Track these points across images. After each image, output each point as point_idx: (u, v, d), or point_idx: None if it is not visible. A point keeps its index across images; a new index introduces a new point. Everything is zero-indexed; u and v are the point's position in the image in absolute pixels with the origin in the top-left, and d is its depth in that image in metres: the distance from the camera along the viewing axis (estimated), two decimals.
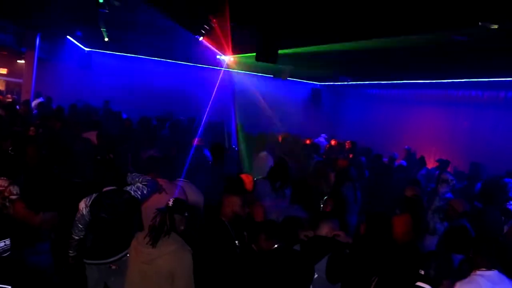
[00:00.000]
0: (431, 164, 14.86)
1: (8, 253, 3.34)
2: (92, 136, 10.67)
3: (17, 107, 15.95)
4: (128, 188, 5.34)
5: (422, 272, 4.13)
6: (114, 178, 5.39)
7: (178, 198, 4.59)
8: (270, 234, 4.40)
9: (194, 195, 6.24)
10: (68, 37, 18.65)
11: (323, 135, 18.74)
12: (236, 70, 22.20)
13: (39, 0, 12.61)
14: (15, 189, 5.27)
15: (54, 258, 5.67)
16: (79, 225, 5.29)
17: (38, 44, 17.46)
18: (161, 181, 5.92)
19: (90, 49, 21.71)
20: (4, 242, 3.33)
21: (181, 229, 4.34)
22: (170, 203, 4.42)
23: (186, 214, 4.34)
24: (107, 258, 5.22)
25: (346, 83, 21.24)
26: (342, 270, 4.36)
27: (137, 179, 5.48)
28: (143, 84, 21.75)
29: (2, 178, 5.44)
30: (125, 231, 5.18)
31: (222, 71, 22.54)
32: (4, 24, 14.43)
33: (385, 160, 13.52)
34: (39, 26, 16.25)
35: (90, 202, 5.25)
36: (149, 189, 5.41)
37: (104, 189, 5.35)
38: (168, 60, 22.39)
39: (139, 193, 5.28)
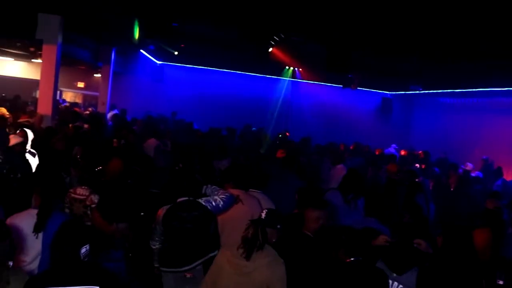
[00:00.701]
0: (510, 176, 14.26)
1: (87, 258, 3.51)
2: (152, 143, 11.00)
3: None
4: (203, 200, 5.39)
5: (501, 282, 3.98)
6: (188, 189, 5.45)
7: (271, 210, 4.56)
8: (350, 249, 4.31)
9: (268, 206, 6.23)
10: (141, 51, 19.27)
11: (393, 145, 18.39)
12: (304, 81, 22.24)
13: (114, 17, 13.13)
14: (95, 198, 5.46)
15: (127, 266, 5.80)
16: (156, 234, 5.42)
17: (113, 59, 18.16)
18: (237, 192, 5.96)
19: (162, 62, 22.32)
20: (86, 247, 3.50)
21: (273, 241, 4.33)
22: (263, 215, 4.46)
23: (279, 227, 4.32)
24: (182, 266, 5.31)
25: (417, 92, 20.77)
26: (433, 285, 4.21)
27: (216, 192, 5.51)
28: (213, 95, 22.14)
29: (84, 187, 5.67)
30: (199, 241, 5.24)
31: (290, 81, 22.63)
32: (82, 40, 15.12)
33: (460, 171, 13.10)
34: (114, 41, 16.92)
35: (165, 212, 5.36)
36: (225, 204, 5.43)
37: (179, 200, 5.43)
38: (237, 72, 22.67)
39: (214, 205, 5.32)
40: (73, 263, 3.48)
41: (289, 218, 5.19)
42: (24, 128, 8.50)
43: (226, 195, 5.50)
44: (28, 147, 8.07)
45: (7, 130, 9.32)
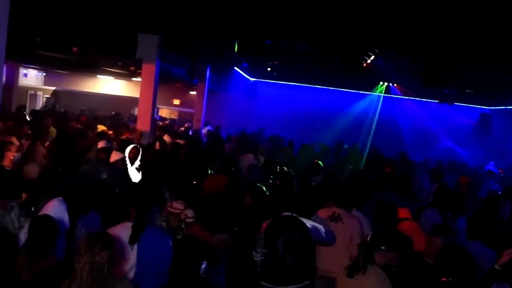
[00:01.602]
0: None
1: (205, 274, 3.56)
2: (248, 158, 11.04)
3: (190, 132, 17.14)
4: (308, 223, 5.29)
5: None
6: (291, 205, 5.40)
7: (376, 233, 4.46)
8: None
9: (366, 226, 6.06)
10: (235, 68, 19.61)
11: (491, 162, 17.45)
12: (398, 96, 21.71)
13: (209, 36, 13.46)
14: (190, 212, 5.55)
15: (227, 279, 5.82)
16: (258, 246, 5.40)
17: (208, 76, 18.60)
18: (338, 210, 5.85)
19: (255, 79, 22.61)
20: (204, 263, 3.55)
21: (382, 263, 4.21)
22: (368, 237, 4.36)
23: (383, 248, 4.18)
24: (279, 285, 5.23)
25: None
26: None
27: (323, 224, 5.43)
28: (305, 111, 22.12)
29: (179, 201, 5.77)
30: (297, 264, 5.14)
31: (383, 97, 22.17)
32: (179, 59, 15.61)
33: None
34: (209, 60, 17.34)
35: (269, 225, 5.34)
36: (327, 238, 5.33)
37: (283, 214, 5.38)
38: (330, 88, 22.53)
39: (317, 234, 5.23)
40: (193, 279, 3.53)
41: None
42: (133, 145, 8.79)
43: (329, 231, 5.40)
44: (138, 162, 8.34)
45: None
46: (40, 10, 7.82)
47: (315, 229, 5.27)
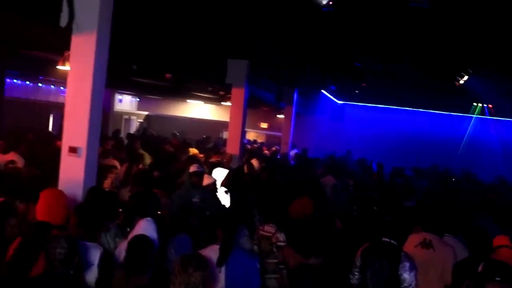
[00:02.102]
0: None
1: None
2: (328, 180, 10.89)
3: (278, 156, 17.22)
4: (404, 257, 5.13)
5: None
6: (389, 231, 5.26)
7: (490, 263, 4.17)
8: None
9: (461, 253, 5.75)
10: (322, 91, 19.57)
11: None
12: (494, 118, 20.77)
13: (297, 60, 13.55)
14: (281, 236, 5.56)
15: None
16: (354, 268, 5.29)
17: (296, 100, 18.67)
18: (430, 236, 5.62)
19: (343, 102, 22.44)
20: None
21: None
22: (480, 268, 4.13)
23: (498, 279, 3.97)
24: None
25: None
26: None
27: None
28: (394, 134, 21.63)
29: (271, 224, 5.79)
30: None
31: (478, 119, 21.28)
32: (267, 83, 15.81)
33: None
34: (296, 83, 17.43)
35: (366, 248, 5.24)
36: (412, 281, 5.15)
37: (383, 239, 5.25)
38: (421, 110, 21.93)
39: (404, 274, 5.06)
40: None
41: None
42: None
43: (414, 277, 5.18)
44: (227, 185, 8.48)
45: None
46: (136, 39, 8.20)
47: (404, 267, 5.07)
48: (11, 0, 5.91)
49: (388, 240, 5.20)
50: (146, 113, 26.22)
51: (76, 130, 6.36)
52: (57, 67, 7.62)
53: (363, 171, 14.68)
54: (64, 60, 7.24)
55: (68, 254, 3.72)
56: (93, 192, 5.63)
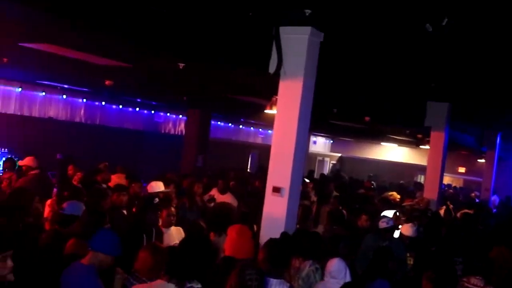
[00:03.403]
0: None
1: None
2: None
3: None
4: None
5: None
6: None
7: None
8: None
9: None
10: None
11: None
12: None
13: (501, 102, 12.69)
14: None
15: None
16: None
17: (499, 144, 17.50)
18: None
19: None
20: None
21: None
22: None
23: None
24: None
25: None
26: None
27: None
28: None
29: (477, 277, 5.43)
30: None
31: None
32: (467, 126, 15.10)
33: None
34: (500, 126, 16.34)
35: None
36: None
37: None
38: None
39: None
40: None
41: None
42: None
43: None
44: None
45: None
46: (337, 83, 8.42)
47: None
48: (223, 49, 6.46)
49: None
50: (339, 154, 26.53)
51: (280, 171, 6.65)
52: (265, 111, 8.11)
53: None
54: (272, 104, 7.69)
55: (258, 285, 3.88)
56: (299, 232, 5.85)
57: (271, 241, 5.04)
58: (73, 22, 5.39)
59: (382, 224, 7.39)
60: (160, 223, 6.34)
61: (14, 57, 9.32)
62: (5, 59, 9.55)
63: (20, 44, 7.45)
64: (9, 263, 3.15)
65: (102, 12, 4.80)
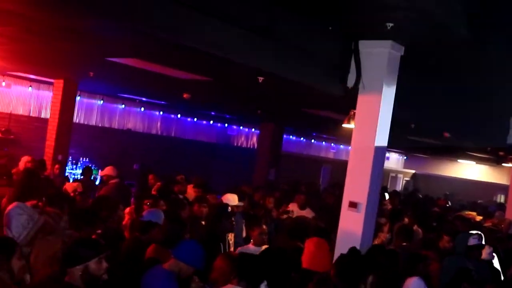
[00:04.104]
0: None
1: None
2: None
3: None
4: None
5: None
6: None
7: None
8: None
9: None
10: None
11: None
12: None
13: None
14: None
15: None
16: None
17: None
18: None
19: None
20: None
21: None
22: None
23: None
24: None
25: None
26: None
27: None
28: None
29: None
30: None
31: None
32: None
33: None
34: None
35: None
36: None
37: None
38: None
39: None
40: None
41: None
42: None
43: None
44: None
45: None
46: (416, 97, 8.25)
47: None
48: (302, 63, 6.48)
49: None
50: (413, 171, 25.92)
51: (357, 185, 6.59)
52: (343, 125, 8.05)
53: None
54: (349, 118, 7.64)
55: None
56: (375, 248, 5.76)
57: (341, 256, 5.00)
58: (157, 39, 5.58)
59: (473, 241, 6.94)
60: (251, 242, 6.28)
61: (100, 71, 9.76)
62: (91, 73, 10.02)
63: (107, 58, 7.80)
64: (104, 264, 3.52)
65: (188, 29, 4.96)
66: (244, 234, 7.59)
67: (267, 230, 6.44)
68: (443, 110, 9.17)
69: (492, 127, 11.22)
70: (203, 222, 7.13)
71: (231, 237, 6.81)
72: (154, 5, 4.65)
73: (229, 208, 7.21)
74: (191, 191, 9.41)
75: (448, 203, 16.12)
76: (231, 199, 7.82)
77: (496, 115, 10.94)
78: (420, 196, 19.68)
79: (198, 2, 4.86)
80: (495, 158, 16.75)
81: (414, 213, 10.61)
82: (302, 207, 9.27)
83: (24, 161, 9.36)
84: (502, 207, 14.43)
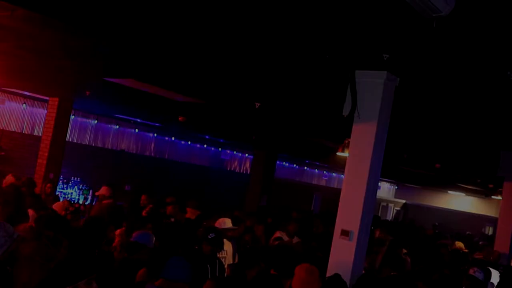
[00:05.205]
0: None
1: None
2: None
3: None
4: None
5: None
6: None
7: None
8: None
9: None
10: None
11: None
12: None
13: None
14: None
15: None
16: None
17: None
18: None
19: None
20: None
21: None
22: None
23: None
24: None
25: None
26: None
27: None
28: None
29: None
30: None
31: None
32: None
33: None
34: None
35: None
36: None
37: None
38: None
39: None
40: None
41: None
42: None
43: None
44: None
45: None
46: (409, 128, 8.33)
47: None
48: (298, 91, 6.54)
49: None
50: (403, 201, 25.96)
51: (350, 214, 6.58)
52: (337, 153, 8.10)
53: None
54: (344, 147, 7.69)
55: None
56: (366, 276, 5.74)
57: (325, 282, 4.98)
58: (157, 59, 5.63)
59: (475, 274, 6.94)
60: None
61: (96, 90, 9.79)
62: (88, 92, 10.05)
63: (105, 78, 7.84)
64: (94, 285, 3.39)
65: (186, 51, 5.02)
66: (236, 259, 7.57)
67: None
68: (436, 141, 9.26)
69: (483, 160, 11.33)
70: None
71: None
72: None
73: (212, 235, 7.16)
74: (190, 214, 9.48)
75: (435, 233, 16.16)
76: (226, 222, 7.81)
77: (487, 149, 11.05)
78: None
79: None
80: (484, 190, 16.83)
81: (406, 242, 10.65)
82: (290, 236, 9.24)
83: (8, 181, 8.94)
84: (489, 239, 14.45)
